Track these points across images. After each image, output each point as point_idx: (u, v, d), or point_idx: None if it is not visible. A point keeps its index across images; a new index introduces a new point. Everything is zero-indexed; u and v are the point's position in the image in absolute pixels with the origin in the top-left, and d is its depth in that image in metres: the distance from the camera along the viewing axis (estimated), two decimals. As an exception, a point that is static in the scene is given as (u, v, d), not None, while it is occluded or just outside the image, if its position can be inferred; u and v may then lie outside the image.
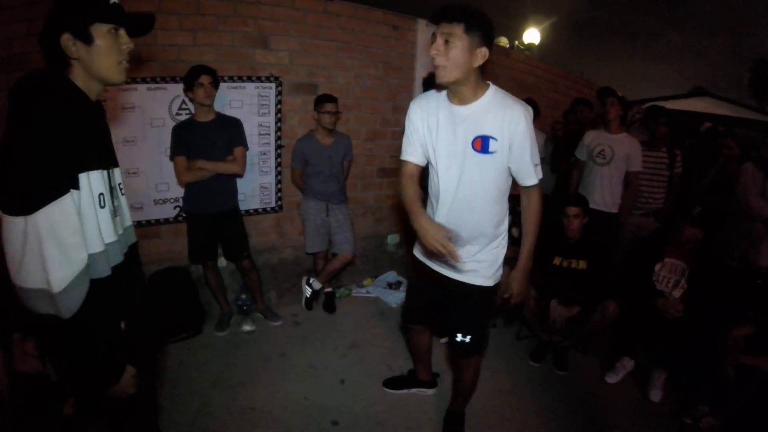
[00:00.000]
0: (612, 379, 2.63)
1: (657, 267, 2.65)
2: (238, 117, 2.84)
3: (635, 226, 3.40)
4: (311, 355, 2.74)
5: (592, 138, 3.29)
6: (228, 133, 2.72)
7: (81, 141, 1.04)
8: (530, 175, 1.65)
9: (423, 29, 3.62)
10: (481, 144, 1.60)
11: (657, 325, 2.51)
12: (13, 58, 2.56)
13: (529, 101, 3.74)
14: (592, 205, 2.94)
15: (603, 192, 3.22)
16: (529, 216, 1.74)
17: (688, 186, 3.59)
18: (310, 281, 3.28)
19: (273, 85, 3.14)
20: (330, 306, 3.32)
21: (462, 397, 2.12)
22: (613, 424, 2.31)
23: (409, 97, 3.70)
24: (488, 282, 1.80)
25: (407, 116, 1.77)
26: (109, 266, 1.13)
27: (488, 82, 1.64)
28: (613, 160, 3.17)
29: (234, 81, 3.02)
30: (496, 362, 2.72)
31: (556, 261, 2.77)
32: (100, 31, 1.08)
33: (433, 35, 1.52)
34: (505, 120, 1.56)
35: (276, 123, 3.22)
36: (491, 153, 1.60)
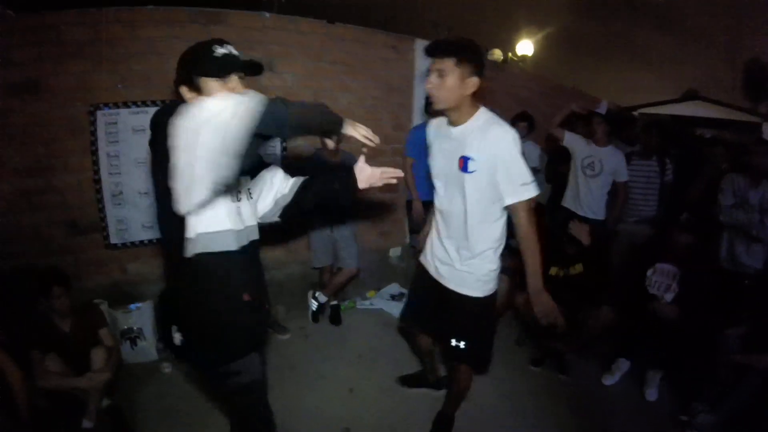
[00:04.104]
0: (609, 381, 2.72)
1: (649, 272, 2.74)
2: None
3: (629, 233, 3.51)
4: (320, 366, 2.82)
5: (581, 149, 3.43)
6: None
7: None
8: (510, 194, 1.67)
9: (420, 49, 3.76)
10: (463, 163, 1.71)
11: (652, 327, 2.60)
12: (26, 82, 2.62)
13: (524, 115, 3.88)
14: (581, 212, 3.10)
15: (592, 202, 3.39)
16: (519, 237, 1.73)
17: (679, 193, 3.69)
18: (316, 294, 3.36)
19: (279, 107, 3.25)
20: (336, 318, 3.41)
21: (451, 402, 2.20)
22: (612, 425, 2.40)
23: (409, 116, 3.82)
24: (476, 293, 1.86)
25: None
26: (239, 244, 1.36)
27: (480, 105, 1.73)
28: (602, 173, 3.33)
29: (241, 104, 3.13)
30: (496, 368, 2.78)
31: (553, 272, 2.83)
32: (208, 82, 1.29)
33: (428, 70, 1.66)
34: (485, 141, 1.65)
35: (281, 143, 3.34)
36: (470, 172, 1.69)
